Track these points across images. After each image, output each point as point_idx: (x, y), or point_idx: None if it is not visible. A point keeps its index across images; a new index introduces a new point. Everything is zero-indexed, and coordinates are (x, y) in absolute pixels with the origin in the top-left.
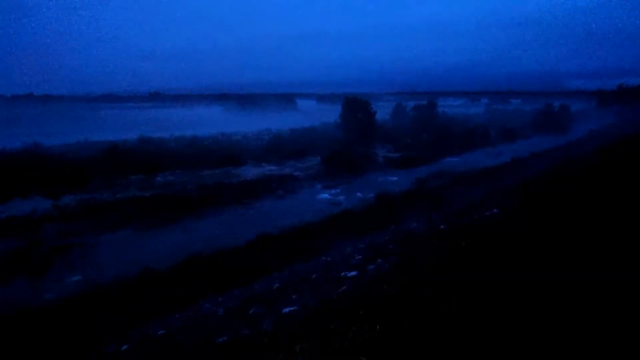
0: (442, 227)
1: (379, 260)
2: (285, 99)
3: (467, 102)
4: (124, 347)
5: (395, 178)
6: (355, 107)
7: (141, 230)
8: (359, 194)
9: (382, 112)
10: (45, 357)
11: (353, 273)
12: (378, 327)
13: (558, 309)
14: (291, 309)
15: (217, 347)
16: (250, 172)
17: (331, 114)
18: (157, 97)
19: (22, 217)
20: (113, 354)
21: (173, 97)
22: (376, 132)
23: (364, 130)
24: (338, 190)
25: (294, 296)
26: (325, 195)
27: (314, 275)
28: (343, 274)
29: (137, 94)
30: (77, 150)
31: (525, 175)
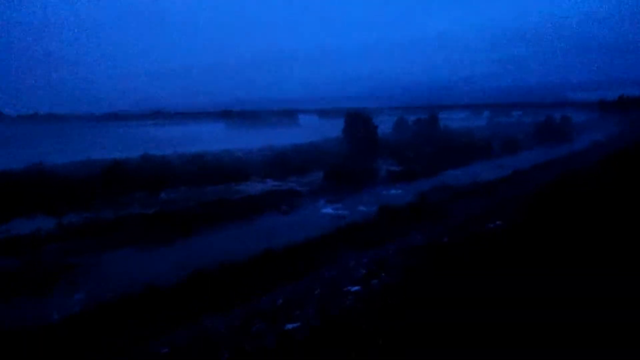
0: (445, 240)
1: (382, 274)
2: (287, 115)
3: (469, 115)
4: None
5: (397, 191)
6: (357, 121)
7: (145, 247)
8: (362, 208)
9: (384, 126)
10: None
11: (356, 288)
12: (380, 342)
13: (552, 313)
14: (294, 325)
15: None
16: (254, 188)
17: (333, 129)
18: (160, 115)
19: (25, 237)
20: None
21: (175, 114)
22: (378, 147)
23: (366, 144)
24: (341, 205)
25: (297, 312)
26: (328, 210)
27: (317, 291)
28: (346, 288)
29: (140, 112)
30: (80, 169)
31: (528, 188)
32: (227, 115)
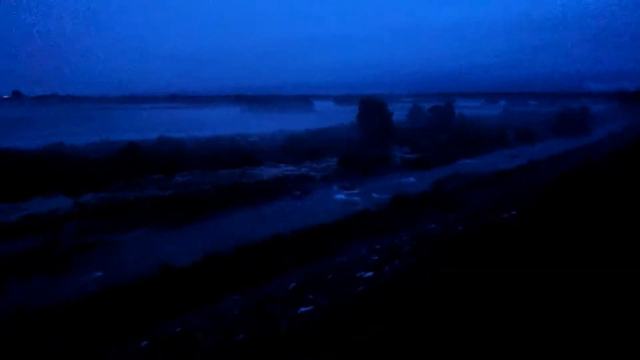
0: (459, 228)
1: (395, 261)
2: (302, 100)
3: (485, 104)
4: (144, 343)
5: (411, 179)
6: (372, 108)
7: (160, 228)
8: (375, 195)
9: (399, 113)
10: (65, 352)
11: (369, 274)
12: (390, 328)
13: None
14: (307, 309)
15: (235, 345)
16: (267, 172)
17: (348, 115)
18: (176, 99)
19: (44, 215)
20: (132, 350)
21: (191, 98)
22: (393, 134)
23: (380, 131)
24: (354, 191)
25: (310, 296)
26: (341, 196)
27: (330, 276)
28: (359, 274)
29: (156, 95)
30: (98, 150)
31: (543, 178)
32: (242, 99)
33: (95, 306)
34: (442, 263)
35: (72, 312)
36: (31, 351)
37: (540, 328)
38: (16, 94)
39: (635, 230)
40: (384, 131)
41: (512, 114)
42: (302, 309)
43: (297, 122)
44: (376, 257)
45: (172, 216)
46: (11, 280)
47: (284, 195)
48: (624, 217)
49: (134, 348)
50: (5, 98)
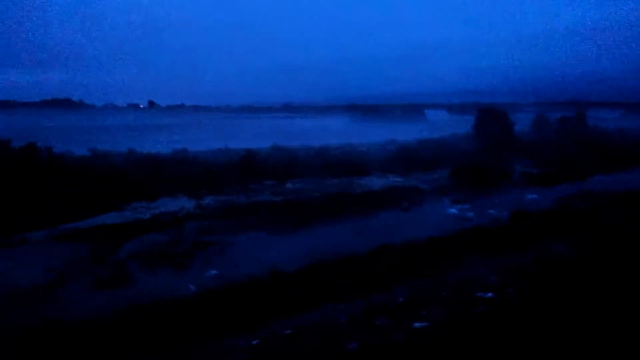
0: (593, 252)
1: (519, 283)
2: (414, 109)
3: (625, 114)
4: (255, 341)
5: (534, 196)
6: (490, 117)
7: (271, 232)
8: (491, 211)
9: (521, 123)
10: (183, 342)
11: (489, 295)
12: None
13: None
14: (422, 324)
15: (347, 353)
16: (375, 182)
17: (462, 124)
18: (289, 108)
19: (170, 214)
20: (244, 347)
21: (303, 108)
22: (514, 145)
23: (499, 142)
24: (468, 206)
25: (423, 312)
26: (453, 210)
27: (443, 293)
28: (478, 294)
29: (271, 105)
30: (217, 156)
31: None
32: (352, 109)
33: (211, 302)
34: (574, 290)
35: (189, 306)
36: (159, 334)
37: None
38: (151, 104)
39: None
40: (503, 142)
41: None
42: (417, 324)
43: (408, 132)
44: (496, 278)
45: (283, 221)
46: (142, 271)
47: (392, 206)
48: None
49: (246, 345)
50: (142, 107)
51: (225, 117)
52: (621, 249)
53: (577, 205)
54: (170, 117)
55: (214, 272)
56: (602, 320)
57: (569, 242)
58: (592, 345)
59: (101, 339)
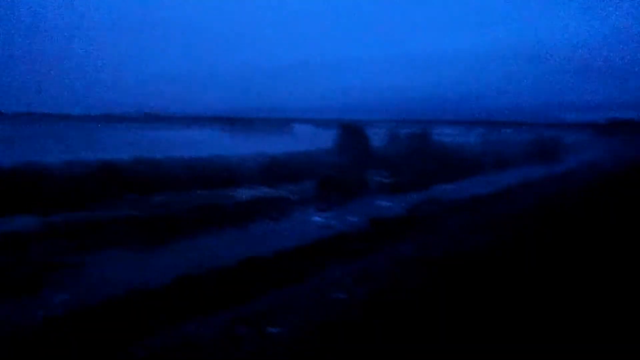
0: (434, 252)
1: (370, 283)
2: (282, 123)
3: (462, 131)
4: None
5: (389, 203)
6: (350, 133)
7: (133, 250)
8: (352, 218)
9: (378, 138)
10: None
11: (342, 296)
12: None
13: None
14: (277, 329)
15: None
16: (244, 194)
17: (327, 139)
18: (154, 119)
19: (11, 234)
20: None
21: (170, 118)
22: (371, 158)
23: (358, 155)
24: (331, 214)
25: (281, 317)
26: (318, 219)
27: (302, 297)
28: (332, 296)
29: (134, 115)
30: (72, 169)
31: (517, 205)
32: (221, 121)
33: (58, 329)
34: (417, 285)
35: (33, 335)
36: None
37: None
38: None
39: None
40: (362, 155)
41: (489, 141)
42: (272, 330)
43: (276, 145)
44: (350, 279)
45: (146, 237)
46: None
47: (261, 217)
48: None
49: None
50: None
51: (81, 126)
52: (462, 247)
53: (424, 210)
54: (16, 125)
55: (64, 296)
56: (440, 313)
57: (417, 243)
58: (431, 337)
59: None
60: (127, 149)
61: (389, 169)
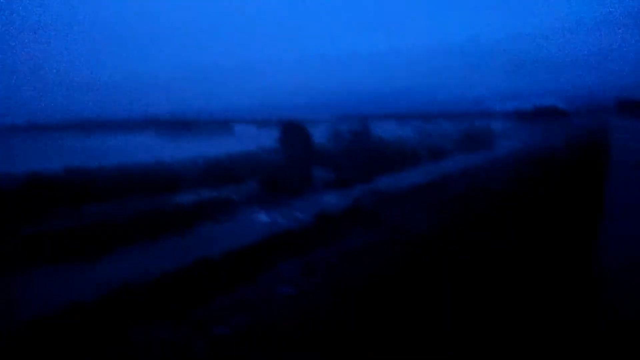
0: (379, 240)
1: (317, 277)
2: (222, 125)
3: (399, 125)
4: None
5: (333, 198)
6: (292, 131)
7: (68, 264)
8: (298, 215)
9: (320, 135)
10: None
11: (290, 291)
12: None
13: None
14: (223, 330)
15: None
16: (187, 198)
17: (269, 138)
18: (85, 125)
19: None
20: None
21: (102, 124)
22: (314, 155)
23: (301, 153)
24: (277, 212)
25: (228, 317)
26: (264, 218)
27: (250, 296)
28: (279, 291)
29: (63, 123)
30: None
31: (452, 191)
32: (157, 124)
33: None
34: (362, 275)
35: None
36: None
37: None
38: None
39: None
40: (305, 153)
41: (425, 133)
42: (218, 330)
43: (217, 147)
44: (298, 274)
45: (82, 249)
46: None
47: (206, 219)
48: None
49: None
50: None
51: (6, 136)
52: (404, 235)
53: (366, 203)
54: None
55: None
56: (385, 300)
57: (358, 235)
58: (378, 323)
59: None
60: (57, 158)
61: (333, 165)
